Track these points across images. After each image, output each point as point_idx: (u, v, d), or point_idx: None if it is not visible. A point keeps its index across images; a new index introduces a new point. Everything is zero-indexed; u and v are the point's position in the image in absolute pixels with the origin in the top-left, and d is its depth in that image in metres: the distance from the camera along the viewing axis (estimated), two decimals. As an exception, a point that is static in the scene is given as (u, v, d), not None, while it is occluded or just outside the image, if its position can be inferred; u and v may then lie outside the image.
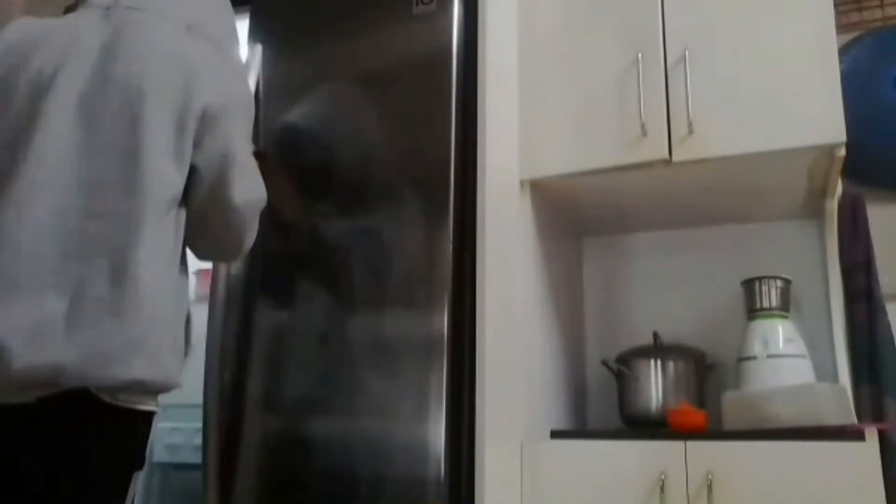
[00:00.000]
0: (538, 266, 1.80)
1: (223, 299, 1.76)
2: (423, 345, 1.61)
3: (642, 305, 2.09)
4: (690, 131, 1.64)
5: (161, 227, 1.21)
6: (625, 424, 1.88)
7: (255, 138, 1.55)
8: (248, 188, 1.33)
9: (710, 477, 1.44)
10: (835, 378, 1.75)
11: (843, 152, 1.57)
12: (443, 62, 1.76)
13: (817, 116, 1.57)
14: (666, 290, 2.08)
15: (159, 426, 1.27)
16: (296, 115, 1.88)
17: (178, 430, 2.12)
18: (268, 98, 1.90)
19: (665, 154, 1.66)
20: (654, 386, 1.82)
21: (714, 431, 1.65)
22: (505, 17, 1.82)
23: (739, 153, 1.63)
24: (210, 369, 1.72)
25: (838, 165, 1.64)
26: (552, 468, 1.58)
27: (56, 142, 1.20)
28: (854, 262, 1.81)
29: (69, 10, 1.38)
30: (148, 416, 1.21)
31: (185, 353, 1.29)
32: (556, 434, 1.67)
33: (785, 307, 1.79)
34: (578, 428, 1.98)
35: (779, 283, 1.80)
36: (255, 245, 1.42)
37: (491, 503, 1.54)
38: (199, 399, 1.71)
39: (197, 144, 1.25)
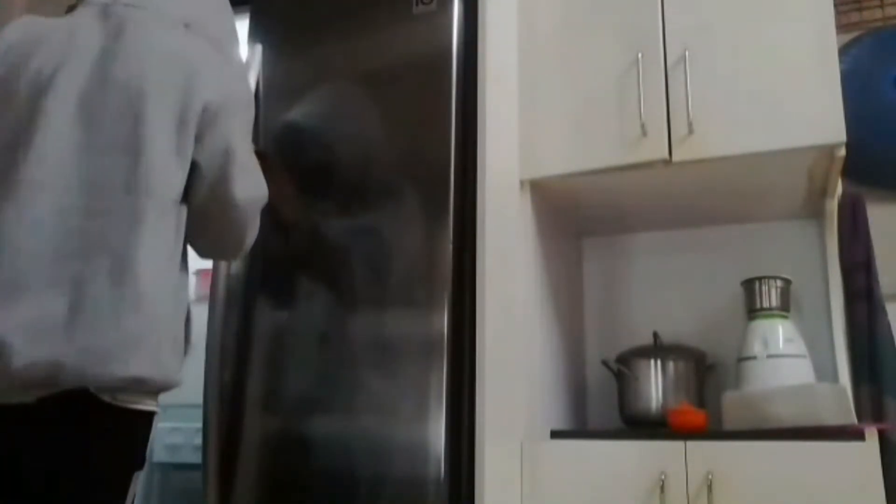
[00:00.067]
0: (538, 266, 1.80)
1: (223, 299, 1.76)
2: (423, 344, 1.61)
3: (642, 305, 2.09)
4: (690, 131, 1.64)
5: (162, 225, 1.21)
6: (625, 424, 1.88)
7: (256, 138, 1.55)
8: (250, 185, 1.33)
9: (710, 477, 1.44)
10: (835, 378, 1.75)
11: (843, 152, 1.57)
12: (443, 62, 1.76)
13: (817, 116, 1.57)
14: (666, 290, 2.08)
15: (159, 426, 1.27)
16: (296, 114, 1.88)
17: (178, 430, 2.13)
18: (268, 98, 1.90)
19: (665, 154, 1.66)
20: (654, 386, 1.82)
21: (714, 431, 1.65)
22: (505, 16, 1.82)
23: (739, 153, 1.63)
24: (210, 369, 1.72)
25: (838, 165, 1.64)
26: (552, 468, 1.58)
27: (56, 141, 1.20)
28: (854, 262, 1.81)
29: (71, 9, 1.38)
30: (148, 416, 1.21)
31: (185, 352, 1.29)
32: (556, 434, 1.66)
33: (785, 307, 1.79)
34: (578, 428, 1.98)
35: (779, 283, 1.80)
36: (255, 245, 1.42)
37: (491, 503, 1.55)
38: (199, 399, 1.71)
39: (198, 141, 1.25)
